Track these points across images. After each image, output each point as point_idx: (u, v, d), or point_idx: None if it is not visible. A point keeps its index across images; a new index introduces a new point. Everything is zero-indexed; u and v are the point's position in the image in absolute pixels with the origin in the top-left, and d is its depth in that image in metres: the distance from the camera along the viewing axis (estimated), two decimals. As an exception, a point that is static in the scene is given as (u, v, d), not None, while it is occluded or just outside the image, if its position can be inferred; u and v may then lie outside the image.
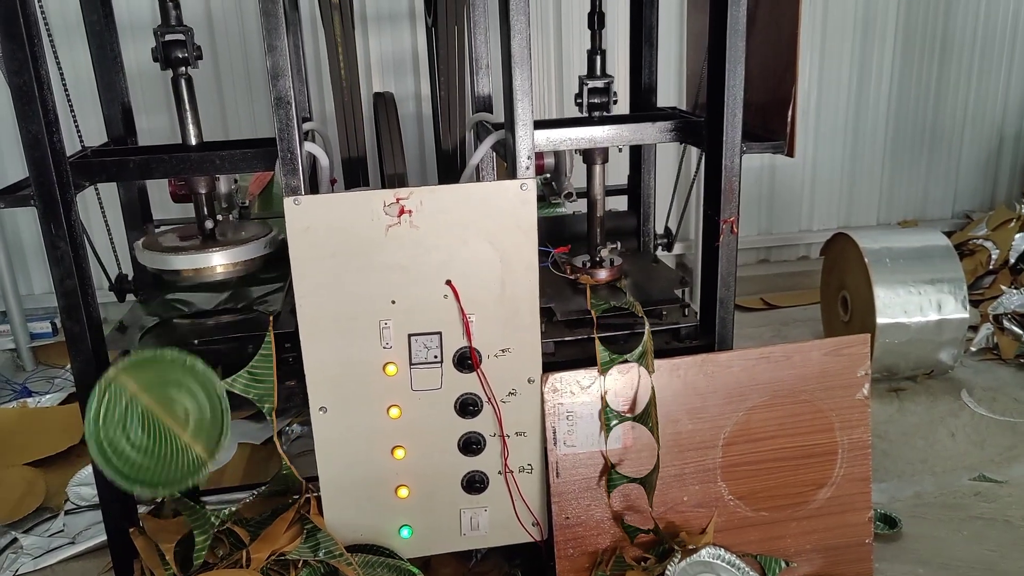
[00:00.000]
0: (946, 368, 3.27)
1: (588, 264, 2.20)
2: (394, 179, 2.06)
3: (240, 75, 3.90)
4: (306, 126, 2.06)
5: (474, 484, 1.89)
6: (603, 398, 1.88)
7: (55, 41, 1.96)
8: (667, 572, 1.85)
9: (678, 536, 1.93)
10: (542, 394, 1.86)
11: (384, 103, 2.26)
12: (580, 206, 2.32)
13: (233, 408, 1.82)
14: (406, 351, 1.79)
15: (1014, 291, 3.69)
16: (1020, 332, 3.52)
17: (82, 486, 2.68)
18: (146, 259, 1.97)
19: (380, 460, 1.85)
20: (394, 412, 1.82)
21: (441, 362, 1.80)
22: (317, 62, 3.78)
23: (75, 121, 1.97)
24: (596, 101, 2.09)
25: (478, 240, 1.75)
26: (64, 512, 2.60)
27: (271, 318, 1.85)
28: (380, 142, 2.17)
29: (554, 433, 1.88)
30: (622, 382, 1.89)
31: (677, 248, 4.24)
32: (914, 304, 3.13)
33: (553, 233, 2.39)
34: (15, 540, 2.48)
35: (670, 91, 4.07)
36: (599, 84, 2.08)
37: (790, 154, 1.95)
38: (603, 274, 2.18)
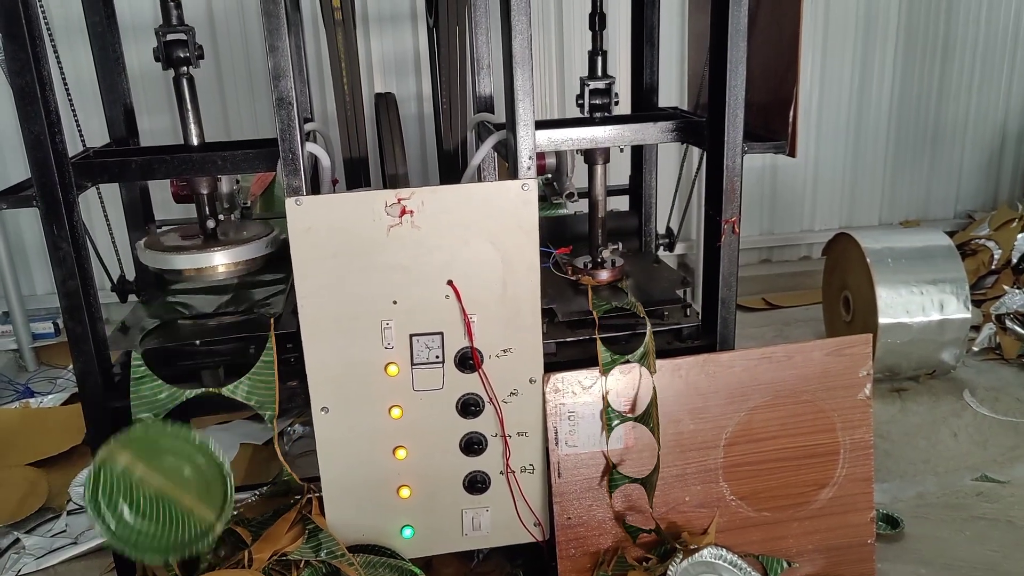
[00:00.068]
0: (948, 368, 3.27)
1: (589, 265, 2.20)
2: (395, 179, 2.06)
3: (242, 75, 3.90)
4: (308, 126, 2.06)
5: (476, 484, 1.89)
6: (605, 398, 1.88)
7: (57, 42, 1.96)
8: (669, 572, 1.85)
9: (680, 536, 1.93)
10: (544, 394, 1.86)
11: (386, 103, 2.26)
12: (581, 206, 2.32)
13: (235, 408, 1.83)
14: (408, 351, 1.79)
15: (1016, 291, 3.68)
16: (1022, 332, 3.52)
17: (84, 486, 2.68)
18: (148, 259, 1.97)
19: (382, 460, 1.85)
20: (396, 412, 1.82)
21: (443, 362, 1.80)
22: (319, 62, 3.78)
23: (77, 122, 1.97)
24: (597, 102, 2.08)
25: (480, 240, 1.75)
26: (66, 512, 2.60)
27: (272, 322, 1.85)
28: (382, 142, 2.17)
29: (556, 433, 1.88)
30: (624, 382, 1.89)
31: (679, 248, 4.24)
32: (916, 304, 3.12)
33: (555, 233, 2.39)
34: (17, 540, 2.48)
35: (671, 91, 4.07)
36: (600, 85, 2.08)
37: (792, 154, 1.95)
38: (604, 275, 2.18)
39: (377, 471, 1.86)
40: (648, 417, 1.88)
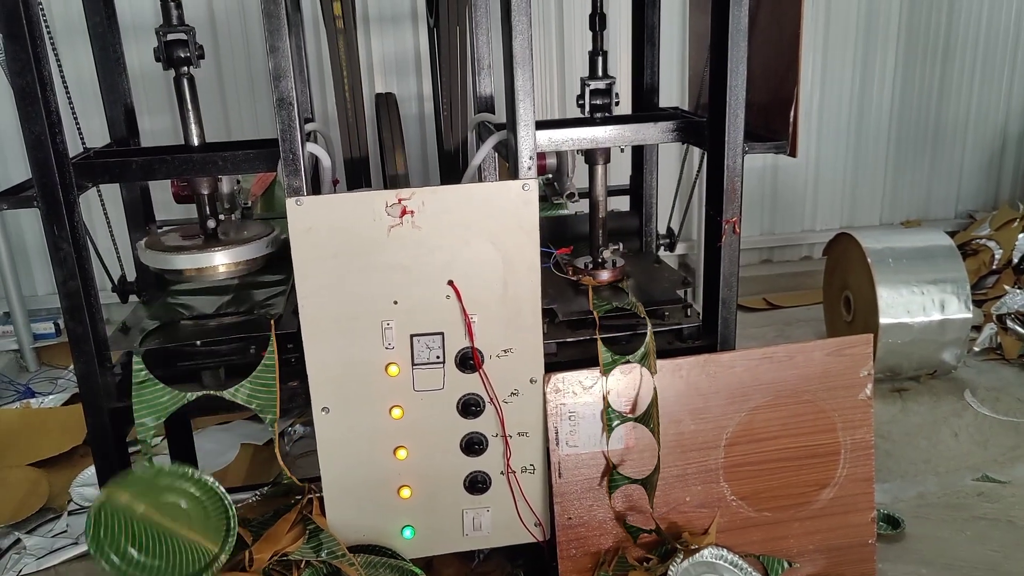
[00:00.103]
0: (949, 368, 3.27)
1: (590, 265, 2.20)
2: (396, 180, 2.06)
3: (242, 76, 3.90)
4: (308, 127, 2.06)
5: (476, 484, 1.89)
6: (605, 398, 1.88)
7: (58, 42, 1.96)
8: (669, 572, 1.85)
9: (680, 536, 1.93)
10: (544, 394, 1.86)
11: (386, 104, 2.26)
12: (582, 206, 2.32)
13: (235, 409, 1.83)
14: (408, 351, 1.79)
15: (1017, 291, 3.68)
16: (1023, 332, 3.51)
17: (85, 487, 2.69)
18: (148, 259, 1.97)
19: (382, 460, 1.85)
20: (396, 412, 1.82)
21: (443, 362, 1.80)
22: (319, 63, 3.78)
23: (77, 122, 1.97)
24: (598, 102, 2.08)
25: (480, 241, 1.75)
26: (67, 512, 2.61)
27: (273, 326, 1.85)
28: (382, 143, 2.17)
29: (556, 433, 1.88)
30: (624, 382, 1.89)
31: (679, 248, 4.24)
32: (917, 304, 3.12)
33: (555, 233, 2.39)
34: (18, 541, 2.48)
35: (672, 91, 4.07)
36: (601, 85, 2.08)
37: (792, 154, 1.95)
38: (605, 275, 2.18)
39: (378, 471, 1.86)
40: (649, 417, 1.88)
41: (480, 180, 2.03)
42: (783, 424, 1.96)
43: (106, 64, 2.09)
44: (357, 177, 2.25)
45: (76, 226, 1.76)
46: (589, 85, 2.08)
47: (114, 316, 3.39)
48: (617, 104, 2.11)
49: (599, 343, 1.88)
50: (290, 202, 1.69)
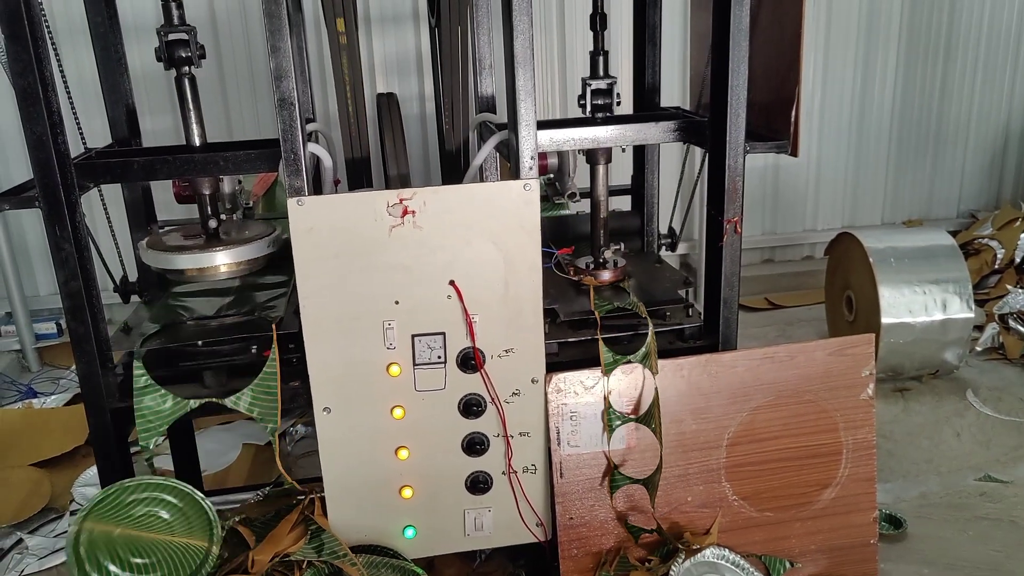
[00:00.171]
0: (951, 368, 3.26)
1: (591, 265, 2.20)
2: (397, 180, 2.06)
3: (244, 76, 3.91)
4: (310, 127, 2.06)
5: (478, 484, 1.89)
6: (607, 399, 1.88)
7: (60, 42, 1.96)
8: (671, 572, 1.85)
9: (682, 536, 1.93)
10: (546, 394, 1.86)
11: (388, 104, 2.26)
12: (583, 206, 2.32)
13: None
14: (410, 352, 1.79)
15: (1019, 290, 3.68)
16: (1025, 332, 3.51)
17: (87, 487, 2.69)
18: (150, 259, 1.97)
19: (384, 461, 1.85)
20: (398, 413, 1.82)
21: (445, 362, 1.80)
22: (321, 63, 3.78)
23: (78, 123, 1.97)
24: (599, 102, 2.08)
25: (481, 241, 1.74)
26: (69, 512, 2.61)
27: (275, 331, 1.84)
28: (383, 143, 2.17)
29: (558, 433, 1.88)
30: (626, 382, 1.89)
31: (681, 248, 4.24)
32: (919, 304, 3.12)
33: (557, 233, 2.39)
34: (20, 540, 2.48)
35: (674, 91, 4.07)
36: (602, 85, 2.08)
37: (794, 154, 1.94)
38: (606, 275, 2.17)
39: (379, 471, 1.86)
40: (650, 417, 1.88)
41: (481, 180, 2.03)
42: (785, 424, 1.96)
43: (108, 64, 2.09)
44: (358, 177, 2.25)
45: (78, 226, 1.76)
46: (590, 85, 2.08)
47: (116, 316, 3.39)
48: (618, 104, 2.11)
49: (600, 343, 1.88)
50: (291, 202, 1.69)
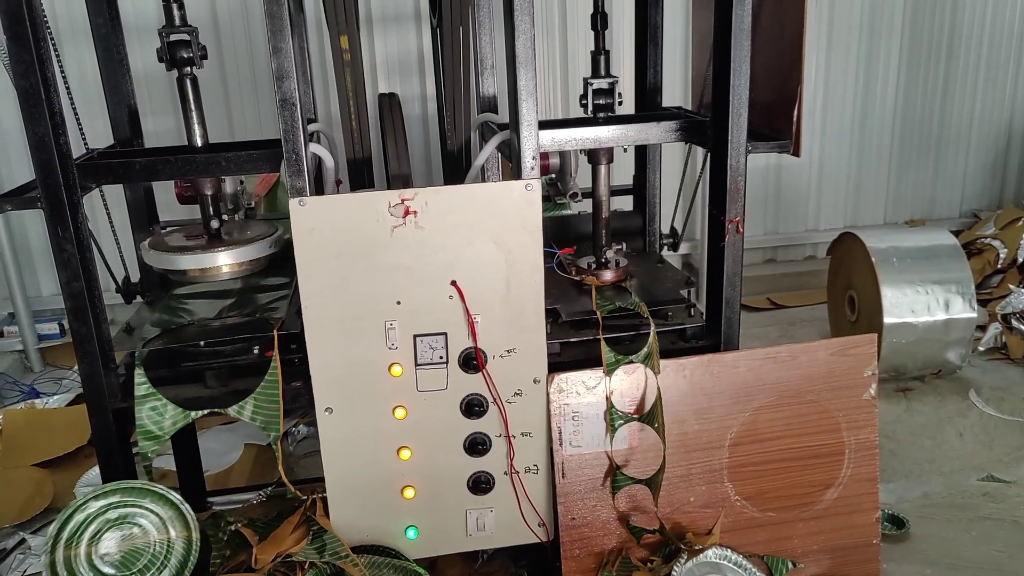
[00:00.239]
0: (954, 368, 3.26)
1: (593, 265, 2.20)
2: (399, 180, 2.06)
3: (246, 76, 3.91)
4: (311, 127, 2.06)
5: (480, 485, 1.89)
6: (609, 399, 1.88)
7: (62, 43, 1.96)
8: (673, 573, 1.85)
9: (684, 537, 1.93)
10: (548, 395, 1.86)
11: (389, 104, 2.26)
12: (585, 206, 2.32)
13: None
14: (411, 352, 1.79)
15: (1022, 290, 3.67)
16: (1028, 331, 3.51)
17: (90, 487, 2.69)
18: (152, 259, 1.97)
19: (386, 461, 1.85)
20: (400, 413, 1.82)
21: (447, 363, 1.80)
22: (322, 63, 3.78)
23: (79, 123, 1.98)
24: (601, 102, 2.08)
25: (483, 241, 1.74)
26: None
27: (276, 337, 1.84)
28: (385, 143, 2.17)
29: (560, 434, 1.88)
30: (628, 383, 1.89)
31: (683, 248, 4.24)
32: (921, 303, 3.12)
33: (558, 233, 2.39)
34: (23, 541, 2.49)
35: (675, 91, 4.07)
36: (603, 84, 2.08)
37: (796, 153, 1.94)
38: (608, 275, 2.17)
39: (381, 472, 1.86)
40: (653, 417, 1.88)
41: (483, 180, 2.03)
42: (787, 424, 1.96)
43: (110, 65, 2.09)
44: (360, 177, 2.25)
45: (80, 227, 1.76)
46: (592, 84, 2.08)
47: (118, 317, 3.40)
48: (620, 104, 2.11)
49: (602, 343, 1.88)
50: (293, 202, 1.69)
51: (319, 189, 2.02)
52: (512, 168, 1.89)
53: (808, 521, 2.01)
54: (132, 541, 1.75)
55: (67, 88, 1.91)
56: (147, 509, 1.76)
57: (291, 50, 1.69)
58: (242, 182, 2.19)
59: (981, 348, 3.51)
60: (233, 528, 1.88)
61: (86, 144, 2.02)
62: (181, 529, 1.76)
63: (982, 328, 3.53)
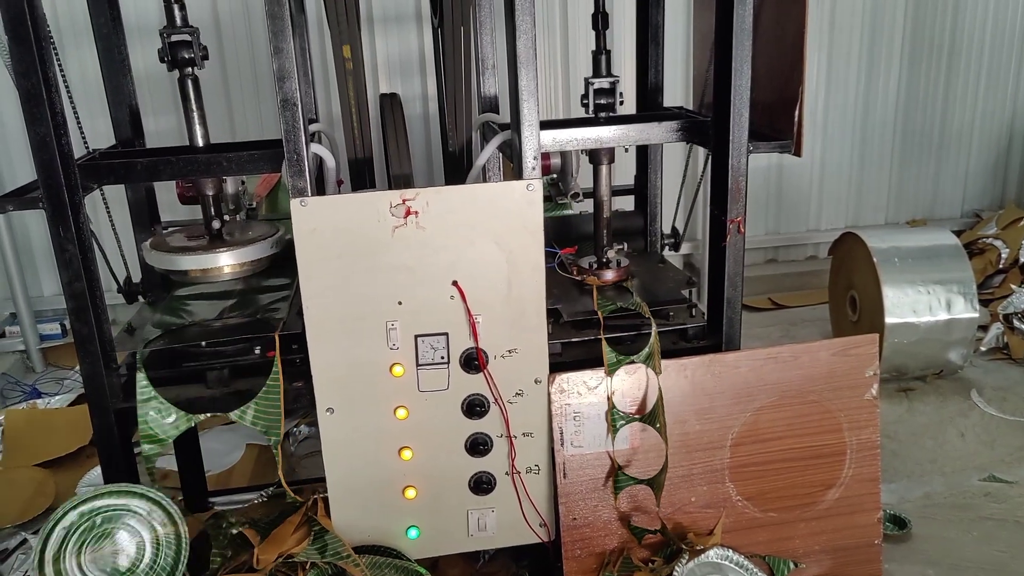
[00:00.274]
0: (956, 368, 3.26)
1: (595, 265, 2.20)
2: (400, 180, 2.06)
3: (247, 77, 3.91)
4: (312, 127, 2.06)
5: (481, 485, 1.89)
6: (610, 399, 1.88)
7: (64, 43, 1.96)
8: (675, 573, 1.85)
9: (686, 537, 1.92)
10: (549, 395, 1.86)
11: (391, 104, 2.26)
12: (587, 206, 2.32)
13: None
14: (413, 352, 1.79)
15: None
16: (1030, 331, 3.50)
17: (91, 487, 2.69)
18: (154, 259, 1.97)
19: (387, 461, 1.85)
20: (401, 413, 1.82)
21: (448, 363, 1.80)
22: (324, 63, 3.79)
23: (79, 123, 1.98)
24: (602, 101, 2.08)
25: (484, 241, 1.74)
26: (73, 513, 2.61)
27: (277, 343, 1.84)
28: (387, 143, 2.17)
29: (561, 434, 1.88)
30: (629, 383, 1.88)
31: (684, 248, 4.23)
32: (923, 304, 3.11)
33: (560, 233, 2.39)
34: (25, 541, 2.49)
35: (677, 91, 4.07)
36: (604, 84, 2.08)
37: (797, 153, 1.94)
38: (610, 275, 2.17)
39: (383, 472, 1.86)
40: (655, 417, 1.88)
41: (484, 180, 2.03)
42: (788, 424, 1.96)
43: (111, 65, 2.09)
44: (361, 178, 2.25)
45: (81, 227, 1.76)
46: (593, 84, 2.08)
47: (120, 317, 3.40)
48: (621, 103, 2.11)
49: (604, 343, 1.87)
50: (294, 203, 1.69)
51: (320, 189, 2.02)
52: (513, 168, 1.89)
53: (810, 521, 2.01)
54: (120, 544, 1.75)
55: (67, 88, 1.91)
56: (131, 511, 1.76)
57: (292, 50, 1.69)
58: (243, 182, 2.19)
59: (983, 348, 3.51)
60: (235, 532, 1.88)
61: (86, 144, 2.03)
62: (169, 525, 1.76)
63: (984, 328, 3.53)
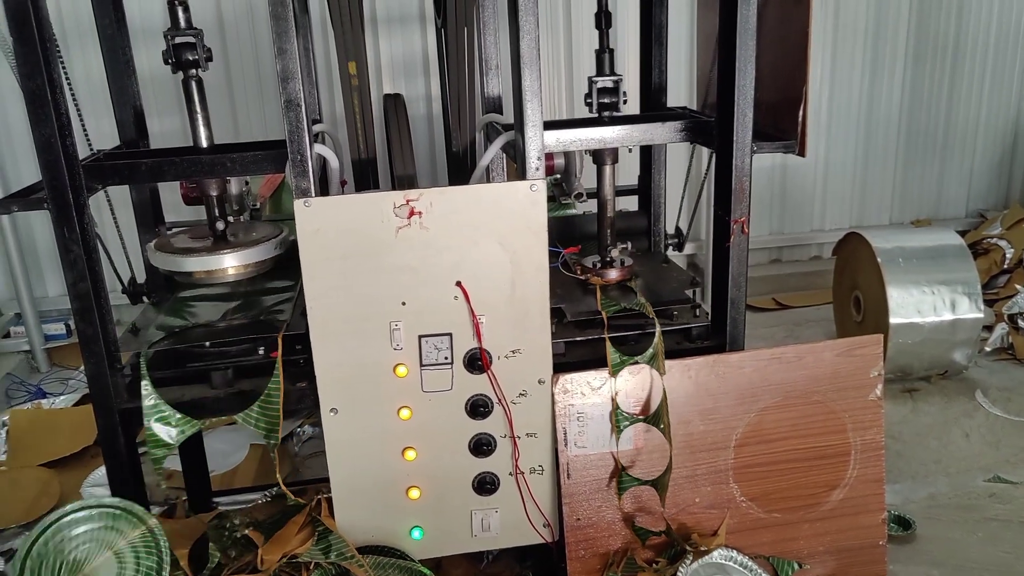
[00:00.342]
0: (960, 368, 3.25)
1: (598, 264, 2.20)
2: (404, 180, 2.06)
3: (251, 78, 3.92)
4: (316, 128, 2.06)
5: (485, 485, 1.89)
6: (614, 399, 1.87)
7: (68, 44, 1.97)
8: (679, 574, 1.85)
9: (690, 538, 1.92)
10: (552, 395, 1.86)
11: (394, 104, 2.26)
12: (590, 206, 2.32)
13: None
14: (416, 352, 1.79)
15: (1029, 290, 3.66)
16: (1035, 332, 3.49)
17: (96, 487, 2.70)
18: (158, 261, 1.98)
19: (391, 461, 1.85)
20: (405, 413, 1.82)
21: (451, 363, 1.80)
22: (327, 64, 3.79)
23: (83, 124, 1.98)
24: (606, 100, 2.08)
25: (488, 241, 1.74)
26: (78, 513, 2.61)
27: (280, 345, 1.84)
28: (390, 143, 2.17)
29: (565, 434, 1.88)
30: (633, 383, 1.88)
31: (688, 248, 4.23)
32: (928, 304, 3.11)
33: (563, 234, 2.38)
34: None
35: (680, 91, 4.06)
36: (608, 83, 2.08)
37: (801, 153, 1.94)
38: (613, 274, 2.17)
39: (386, 472, 1.86)
40: (659, 417, 1.87)
41: (488, 181, 2.03)
42: (793, 425, 1.95)
43: (115, 66, 2.10)
44: (365, 178, 2.25)
45: (86, 228, 1.76)
46: (596, 82, 2.08)
47: (124, 317, 3.41)
48: (625, 102, 2.11)
49: (607, 343, 1.87)
50: (298, 203, 1.69)
51: (324, 190, 2.02)
52: (517, 168, 1.89)
53: (814, 522, 2.00)
54: (96, 563, 1.75)
55: (71, 90, 1.91)
56: (91, 528, 1.77)
57: (296, 51, 1.69)
58: (247, 183, 2.20)
59: (988, 348, 3.50)
60: (239, 535, 1.88)
61: (91, 145, 2.03)
62: (138, 526, 1.77)
63: (988, 328, 3.52)
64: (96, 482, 2.71)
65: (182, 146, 2.06)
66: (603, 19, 2.16)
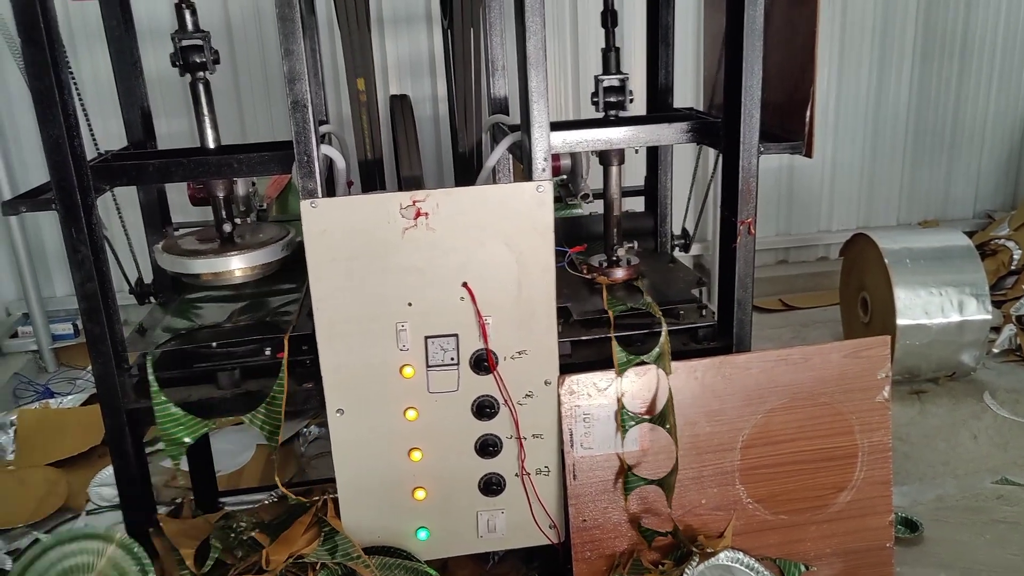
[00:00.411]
0: (968, 370, 3.23)
1: (604, 263, 2.19)
2: (410, 181, 2.06)
3: (258, 79, 3.92)
4: (323, 129, 2.06)
5: (491, 486, 1.89)
6: (620, 400, 1.87)
7: (76, 46, 1.97)
8: (685, 575, 1.84)
9: (696, 539, 1.92)
10: (559, 396, 1.86)
11: (401, 105, 2.27)
12: (596, 207, 2.32)
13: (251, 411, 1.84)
14: (423, 353, 1.79)
15: (1037, 292, 3.64)
16: (1044, 333, 3.48)
17: (103, 486, 2.71)
18: (165, 262, 1.98)
19: (397, 462, 1.85)
20: (411, 414, 1.82)
21: (458, 364, 1.80)
22: (334, 65, 3.79)
23: (89, 126, 1.99)
24: (612, 99, 2.08)
25: (494, 242, 1.74)
26: (86, 512, 2.63)
27: (286, 349, 1.84)
28: (397, 144, 2.18)
29: (571, 435, 1.87)
30: (639, 384, 1.88)
31: (694, 249, 4.22)
32: (935, 305, 3.09)
33: (569, 234, 2.38)
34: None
35: (687, 91, 4.05)
36: (614, 81, 2.07)
37: (808, 154, 1.93)
38: (620, 273, 2.17)
39: (392, 473, 1.86)
40: (665, 418, 1.87)
41: (494, 182, 2.03)
42: (799, 426, 1.95)
43: (123, 68, 2.10)
44: (371, 179, 2.25)
45: (94, 228, 1.77)
46: (603, 81, 2.07)
47: (131, 317, 3.42)
48: (631, 101, 2.11)
49: (614, 343, 1.87)
50: (305, 204, 1.69)
51: (330, 191, 2.03)
52: (523, 169, 1.89)
53: (821, 524, 2.00)
54: None
55: (77, 91, 1.92)
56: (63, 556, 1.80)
57: (303, 52, 1.70)
58: (254, 184, 2.20)
59: (995, 350, 3.49)
60: (246, 538, 1.89)
61: (98, 146, 2.04)
62: (109, 545, 1.80)
63: (996, 330, 3.50)
64: (103, 482, 2.72)
65: (189, 147, 2.06)
66: (609, 18, 2.16)
